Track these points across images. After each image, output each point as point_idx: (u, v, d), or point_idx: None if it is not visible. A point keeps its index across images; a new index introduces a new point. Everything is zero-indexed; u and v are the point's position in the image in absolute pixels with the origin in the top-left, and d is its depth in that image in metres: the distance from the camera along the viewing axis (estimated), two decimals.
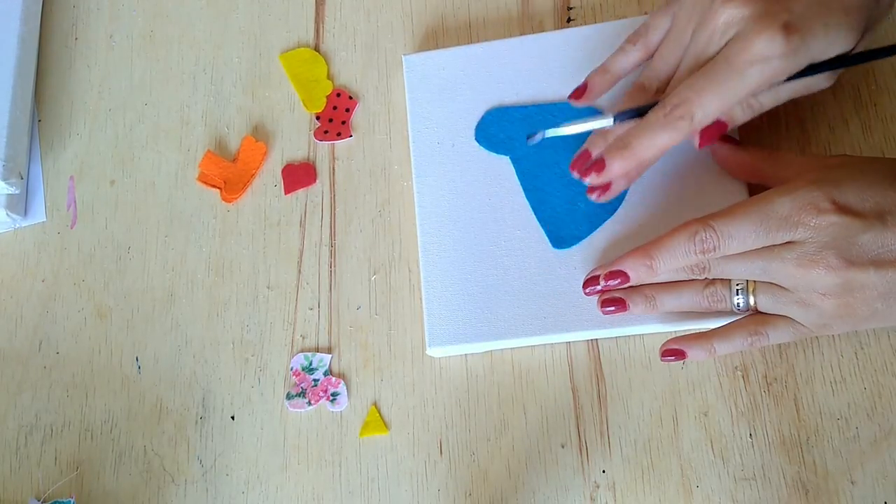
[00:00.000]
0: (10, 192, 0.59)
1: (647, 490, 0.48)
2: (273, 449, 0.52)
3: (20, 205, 0.60)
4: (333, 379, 0.53)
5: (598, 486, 0.48)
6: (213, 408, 0.54)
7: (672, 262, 0.46)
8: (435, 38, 0.59)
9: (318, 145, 0.58)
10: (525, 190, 0.52)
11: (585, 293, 0.49)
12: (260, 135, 0.59)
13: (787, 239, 0.43)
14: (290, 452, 0.52)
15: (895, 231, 0.41)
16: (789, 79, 0.43)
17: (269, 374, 0.54)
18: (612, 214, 0.51)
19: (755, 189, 0.48)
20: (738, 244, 0.43)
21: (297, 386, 0.53)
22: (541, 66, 0.55)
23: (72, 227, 0.59)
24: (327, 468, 0.51)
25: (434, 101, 0.55)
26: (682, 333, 0.48)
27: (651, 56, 0.49)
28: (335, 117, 0.59)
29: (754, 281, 0.45)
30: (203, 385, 0.54)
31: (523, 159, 0.53)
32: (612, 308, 0.48)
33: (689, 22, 0.46)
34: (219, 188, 0.58)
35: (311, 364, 0.53)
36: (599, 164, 0.47)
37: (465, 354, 0.52)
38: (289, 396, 0.53)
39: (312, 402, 0.53)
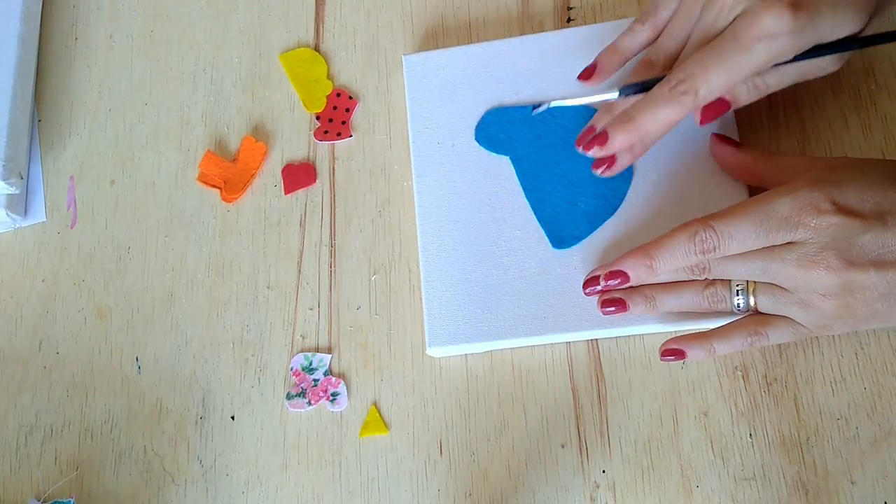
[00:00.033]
0: (10, 192, 0.59)
1: (647, 490, 0.48)
2: (273, 449, 0.52)
3: (20, 205, 0.60)
4: (333, 379, 0.53)
5: (598, 486, 0.48)
6: (213, 408, 0.54)
7: (672, 262, 0.46)
8: (435, 38, 0.59)
9: (318, 145, 0.58)
10: (525, 190, 0.52)
11: (585, 293, 0.49)
12: (260, 135, 0.59)
13: (788, 239, 0.43)
14: (290, 452, 0.52)
15: (895, 231, 0.41)
16: (795, 59, 0.44)
17: (269, 374, 0.54)
18: (612, 214, 0.51)
19: (755, 190, 0.48)
20: (739, 244, 0.44)
21: (297, 386, 0.53)
22: (541, 66, 0.55)
23: (72, 227, 0.59)
24: (327, 468, 0.51)
25: (434, 101, 0.55)
26: (682, 333, 0.48)
27: (659, 36, 0.49)
28: (335, 117, 0.59)
29: (754, 281, 0.45)
30: (203, 385, 0.54)
31: (523, 159, 0.53)
32: (612, 308, 0.48)
33: None
34: (219, 188, 0.58)
35: (311, 364, 0.53)
36: (602, 137, 0.47)
37: (465, 354, 0.52)
38: (289, 396, 0.53)
39: (312, 402, 0.53)
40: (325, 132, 0.58)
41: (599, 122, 0.49)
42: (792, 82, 0.46)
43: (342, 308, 0.54)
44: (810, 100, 0.53)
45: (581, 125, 0.51)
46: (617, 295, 0.48)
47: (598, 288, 0.48)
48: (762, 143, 0.52)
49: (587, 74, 0.51)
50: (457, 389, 0.52)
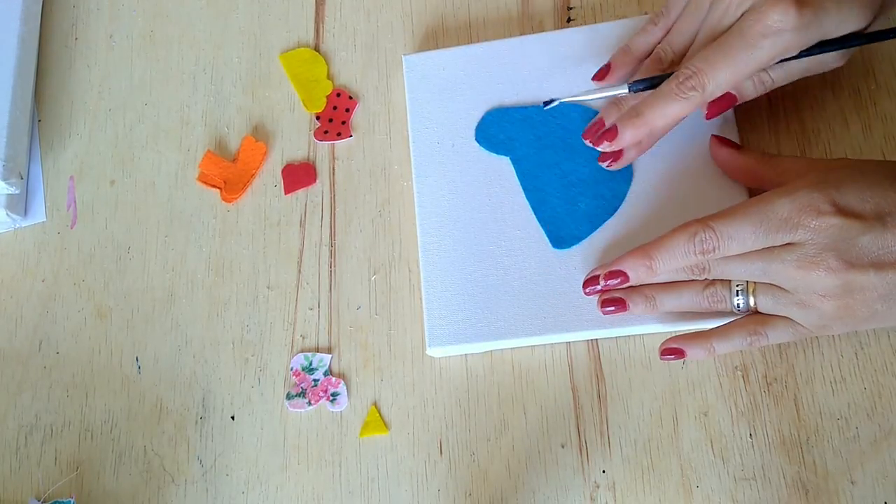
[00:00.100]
0: (10, 192, 0.59)
1: (647, 490, 0.48)
2: (273, 449, 0.52)
3: (20, 205, 0.60)
4: (333, 379, 0.53)
5: (598, 486, 0.49)
6: (213, 408, 0.54)
7: (672, 262, 0.46)
8: (435, 38, 0.59)
9: (318, 145, 0.58)
10: (525, 190, 0.52)
11: (585, 293, 0.49)
12: (260, 135, 0.59)
13: (787, 240, 0.43)
14: (290, 452, 0.52)
15: (895, 233, 0.42)
16: (801, 55, 0.44)
17: (269, 374, 0.54)
18: (612, 215, 0.51)
19: (755, 191, 0.48)
20: (738, 245, 0.44)
21: (297, 386, 0.53)
22: (541, 66, 0.55)
23: (72, 227, 0.59)
24: (327, 468, 0.52)
25: (434, 101, 0.55)
26: (682, 333, 0.48)
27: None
28: (335, 117, 0.59)
29: (754, 282, 0.45)
30: (203, 385, 0.54)
31: (523, 159, 0.53)
32: (612, 308, 0.48)
33: None
34: (219, 188, 0.58)
35: (311, 364, 0.53)
36: (612, 132, 0.48)
37: (465, 354, 0.52)
38: (289, 396, 0.53)
39: (312, 402, 0.53)
40: (325, 132, 0.58)
41: (608, 117, 0.50)
42: (798, 77, 0.47)
43: (342, 308, 0.54)
44: (810, 100, 0.53)
45: (581, 126, 0.52)
46: (617, 295, 0.48)
47: (598, 288, 0.48)
48: (762, 144, 0.52)
49: (601, 75, 0.52)
50: (457, 389, 0.52)
